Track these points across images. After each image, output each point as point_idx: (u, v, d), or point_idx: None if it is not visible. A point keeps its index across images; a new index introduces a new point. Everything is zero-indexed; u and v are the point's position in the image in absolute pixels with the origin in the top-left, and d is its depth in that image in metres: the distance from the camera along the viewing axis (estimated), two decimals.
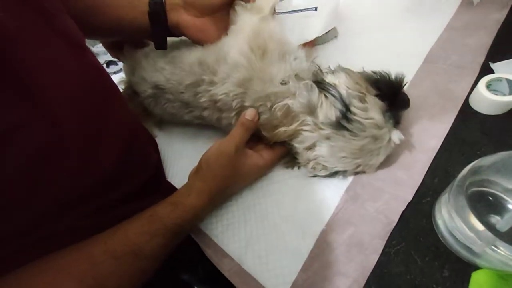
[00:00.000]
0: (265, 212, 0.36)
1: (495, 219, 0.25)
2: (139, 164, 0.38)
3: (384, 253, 0.29)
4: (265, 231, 0.34)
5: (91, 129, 0.29)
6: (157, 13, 0.38)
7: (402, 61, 0.44)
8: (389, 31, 0.50)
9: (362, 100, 0.33)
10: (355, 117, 0.32)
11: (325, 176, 0.36)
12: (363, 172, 0.35)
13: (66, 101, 0.25)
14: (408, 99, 0.35)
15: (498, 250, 0.22)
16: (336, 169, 0.35)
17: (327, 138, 0.33)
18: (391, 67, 0.44)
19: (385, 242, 0.30)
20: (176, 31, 0.40)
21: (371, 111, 0.32)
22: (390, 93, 0.34)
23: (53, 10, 0.27)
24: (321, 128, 0.33)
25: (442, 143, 0.35)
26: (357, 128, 0.32)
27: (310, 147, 0.35)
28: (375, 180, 0.34)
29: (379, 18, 0.54)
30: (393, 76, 0.35)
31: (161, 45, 0.41)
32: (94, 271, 0.26)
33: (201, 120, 0.42)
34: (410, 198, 0.32)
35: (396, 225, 0.30)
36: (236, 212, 0.37)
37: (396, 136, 0.33)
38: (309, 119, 0.34)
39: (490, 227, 0.22)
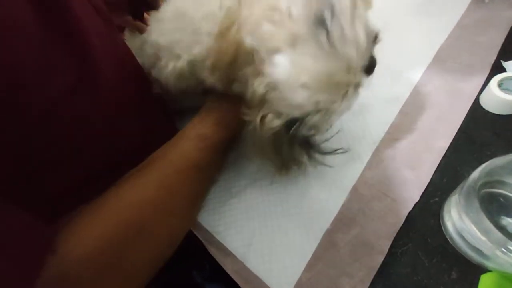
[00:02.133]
0: (269, 210, 0.35)
1: (506, 221, 0.24)
2: (165, 133, 0.39)
3: (390, 253, 0.29)
4: (268, 230, 0.34)
5: (126, 98, 0.30)
6: None
7: (411, 59, 0.43)
8: (398, 29, 0.49)
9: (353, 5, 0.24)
10: (338, 21, 0.23)
11: (278, 128, 0.26)
12: (317, 125, 0.26)
13: (111, 68, 0.26)
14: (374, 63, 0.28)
15: (509, 253, 0.21)
16: (287, 108, 0.25)
17: (293, 43, 0.23)
18: (400, 65, 0.44)
19: (391, 242, 0.29)
20: (153, 4, 0.40)
21: (358, 26, 0.23)
22: None
23: None
24: (291, 21, 0.23)
25: (452, 143, 0.34)
26: (337, 37, 0.23)
27: (266, 59, 0.24)
28: (381, 179, 0.34)
29: (388, 16, 0.53)
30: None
31: (137, 14, 0.42)
32: (167, 181, 0.29)
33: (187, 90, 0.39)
34: (417, 198, 0.31)
35: (403, 225, 0.30)
36: (239, 210, 0.36)
37: (364, 78, 0.26)
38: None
39: (501, 228, 0.22)
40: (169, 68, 0.33)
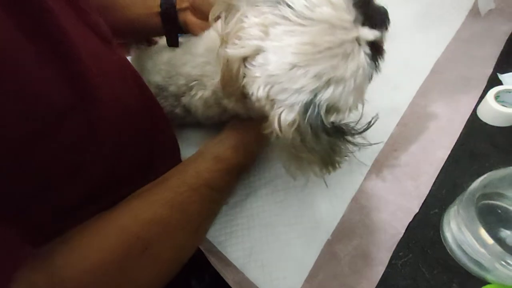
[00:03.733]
0: (269, 220, 0.36)
1: (505, 233, 0.24)
2: (167, 154, 0.39)
3: (390, 265, 0.29)
4: (269, 240, 0.34)
5: (125, 119, 0.29)
6: (168, 13, 0.40)
7: (409, 71, 0.44)
8: (396, 41, 0.50)
9: None
10: None
11: (297, 121, 0.24)
12: (334, 103, 0.24)
13: (108, 91, 0.26)
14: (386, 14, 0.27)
15: (508, 265, 0.21)
16: (293, 96, 0.23)
17: (265, 32, 0.23)
18: (398, 77, 0.44)
19: (391, 253, 0.29)
20: (185, 28, 0.41)
21: None
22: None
23: (84, 6, 0.28)
24: (256, 5, 0.24)
25: (450, 154, 0.34)
26: (302, 5, 0.22)
27: (256, 52, 0.24)
28: (381, 190, 0.34)
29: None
30: None
31: (174, 43, 0.42)
32: (179, 199, 0.28)
33: (190, 115, 0.42)
34: (416, 209, 0.31)
35: (403, 236, 0.30)
36: (240, 220, 0.37)
37: (367, 32, 0.23)
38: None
39: (500, 241, 0.22)
40: (197, 97, 0.37)
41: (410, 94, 0.42)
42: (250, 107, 0.30)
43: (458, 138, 0.35)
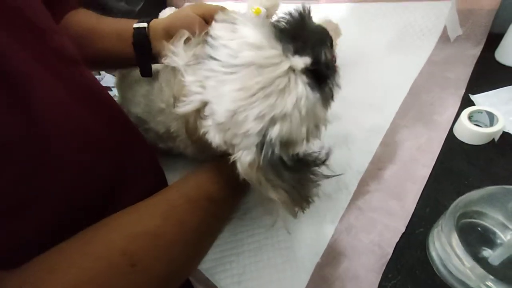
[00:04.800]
0: (258, 244, 0.35)
1: (487, 252, 0.25)
2: (137, 174, 0.37)
3: (380, 287, 0.29)
4: (258, 266, 0.33)
5: (83, 142, 0.28)
6: (142, 43, 0.40)
7: (387, 93, 0.46)
8: (374, 64, 0.53)
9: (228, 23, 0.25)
10: (220, 42, 0.24)
11: (255, 160, 0.24)
12: (286, 137, 0.24)
13: (59, 117, 0.25)
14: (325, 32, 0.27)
15: (493, 286, 0.21)
16: (245, 140, 0.24)
17: (202, 86, 0.25)
18: (377, 99, 0.47)
19: (380, 275, 0.29)
20: (159, 58, 0.41)
21: (241, 28, 0.24)
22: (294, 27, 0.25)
23: (43, 27, 0.27)
24: (189, 65, 0.26)
25: (431, 173, 0.36)
26: (226, 55, 0.23)
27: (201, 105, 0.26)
28: (367, 210, 0.35)
29: (363, 51, 0.57)
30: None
31: (147, 73, 0.42)
32: (175, 211, 0.28)
33: (174, 150, 0.42)
34: (403, 228, 0.32)
35: (391, 257, 0.30)
36: (228, 245, 0.36)
37: (297, 60, 0.23)
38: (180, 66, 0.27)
39: (483, 261, 0.22)
40: (178, 141, 0.38)
41: (390, 115, 0.44)
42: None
43: (438, 156, 0.37)
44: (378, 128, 0.42)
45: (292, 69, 0.23)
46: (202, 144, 0.29)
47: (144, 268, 0.24)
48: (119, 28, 0.41)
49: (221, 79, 0.23)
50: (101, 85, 0.36)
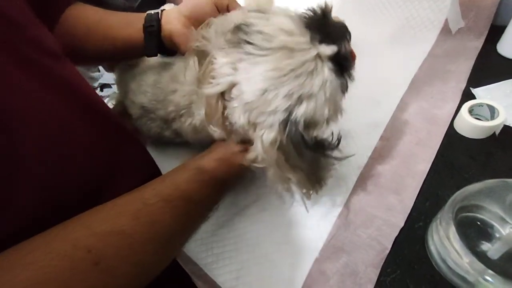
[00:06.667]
0: (257, 240, 0.35)
1: (486, 246, 0.25)
2: (126, 169, 0.37)
3: (379, 282, 0.29)
4: (256, 261, 0.33)
5: (58, 135, 0.27)
6: (152, 25, 0.39)
7: (388, 87, 0.46)
8: (374, 58, 0.52)
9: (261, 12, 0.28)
10: (254, 28, 0.26)
11: (277, 139, 0.26)
12: (310, 117, 0.26)
13: (25, 106, 0.24)
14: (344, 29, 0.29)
15: (492, 280, 0.21)
16: (270, 117, 0.26)
17: (234, 68, 0.26)
18: (379, 93, 0.46)
19: (379, 270, 0.29)
20: (169, 42, 0.40)
21: (274, 17, 0.27)
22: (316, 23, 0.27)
23: (22, 20, 0.26)
24: (222, 48, 0.27)
25: (431, 167, 0.35)
26: (260, 39, 0.25)
27: (230, 86, 0.27)
28: (366, 206, 0.34)
29: (364, 45, 0.56)
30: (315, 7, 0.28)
31: (151, 52, 0.42)
32: (147, 210, 0.27)
33: (180, 137, 0.43)
34: (402, 223, 0.31)
35: (390, 252, 0.30)
36: (227, 241, 0.36)
37: (324, 48, 0.25)
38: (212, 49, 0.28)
39: (482, 254, 0.22)
40: (187, 124, 0.39)
41: (390, 109, 0.43)
42: (235, 133, 0.32)
43: (438, 150, 0.36)
44: (378, 122, 0.42)
45: (318, 56, 0.25)
46: (217, 126, 0.31)
47: (108, 267, 0.23)
48: (129, 17, 0.41)
49: (255, 61, 0.25)
50: (86, 81, 0.34)
